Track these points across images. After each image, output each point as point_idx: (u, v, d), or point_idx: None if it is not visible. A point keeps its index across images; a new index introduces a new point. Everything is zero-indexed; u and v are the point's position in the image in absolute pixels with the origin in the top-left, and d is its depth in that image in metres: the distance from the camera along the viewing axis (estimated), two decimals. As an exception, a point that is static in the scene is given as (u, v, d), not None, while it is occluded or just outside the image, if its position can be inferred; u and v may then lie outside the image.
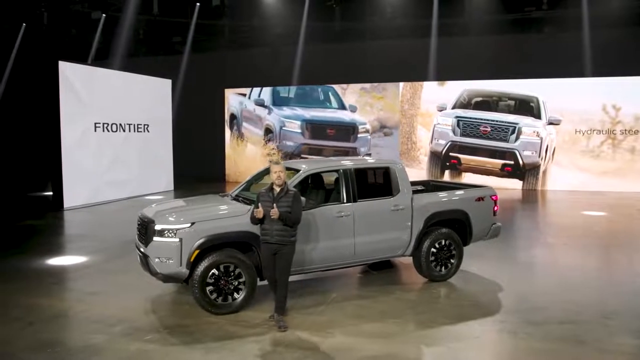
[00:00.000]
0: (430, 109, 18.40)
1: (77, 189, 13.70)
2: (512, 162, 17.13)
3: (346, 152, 18.66)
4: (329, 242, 6.41)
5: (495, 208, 7.65)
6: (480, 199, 7.50)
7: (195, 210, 6.32)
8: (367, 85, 19.03)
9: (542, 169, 17.16)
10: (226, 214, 6.14)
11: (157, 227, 5.88)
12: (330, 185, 7.01)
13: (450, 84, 18.21)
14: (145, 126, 16.46)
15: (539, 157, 16.98)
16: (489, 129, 17.28)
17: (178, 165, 18.11)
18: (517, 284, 7.28)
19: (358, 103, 19.05)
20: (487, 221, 7.56)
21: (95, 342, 5.30)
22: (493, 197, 7.62)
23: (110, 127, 15.02)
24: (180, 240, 5.76)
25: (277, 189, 5.59)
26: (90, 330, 5.61)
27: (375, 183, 7.33)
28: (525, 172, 17.19)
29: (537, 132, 16.94)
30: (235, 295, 5.96)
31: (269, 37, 21.38)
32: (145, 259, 6.04)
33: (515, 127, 17.01)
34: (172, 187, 17.56)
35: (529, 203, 15.22)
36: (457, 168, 17.82)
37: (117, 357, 4.99)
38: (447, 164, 17.90)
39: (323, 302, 6.37)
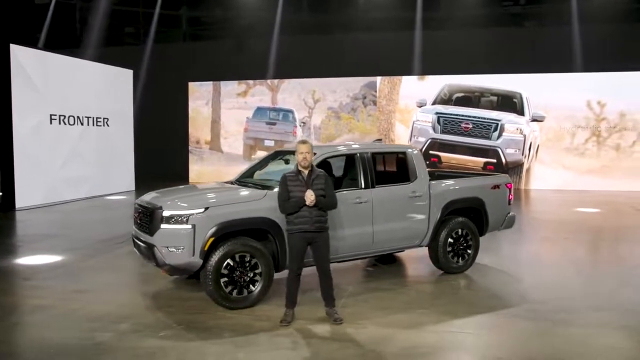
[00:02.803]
0: (409, 105, 18.57)
1: (30, 188, 13.06)
2: (494, 160, 17.42)
3: None
4: (347, 231, 6.28)
5: (510, 196, 7.75)
6: (496, 186, 7.59)
7: (206, 195, 6.09)
8: (334, 105, 19.08)
9: (525, 167, 17.58)
10: (240, 199, 5.91)
11: (166, 213, 5.60)
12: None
13: (431, 79, 18.45)
14: (105, 120, 15.90)
15: (522, 154, 17.37)
16: (470, 126, 17.55)
17: (139, 163, 17.54)
18: (534, 276, 7.39)
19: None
20: (503, 210, 7.66)
21: (102, 340, 4.99)
22: (508, 185, 7.74)
23: (67, 119, 14.42)
24: (193, 226, 5.49)
25: (305, 172, 5.38)
26: (91, 329, 5.27)
27: (390, 169, 7.29)
28: (508, 170, 17.53)
29: (520, 129, 17.32)
30: (252, 287, 5.75)
31: (235, 28, 21.18)
32: (150, 250, 5.73)
33: (497, 124, 17.33)
34: (133, 187, 16.99)
35: (516, 201, 15.48)
36: (438, 166, 18.00)
37: (132, 354, 4.71)
38: (427, 162, 17.98)
39: (342, 296, 6.23)
